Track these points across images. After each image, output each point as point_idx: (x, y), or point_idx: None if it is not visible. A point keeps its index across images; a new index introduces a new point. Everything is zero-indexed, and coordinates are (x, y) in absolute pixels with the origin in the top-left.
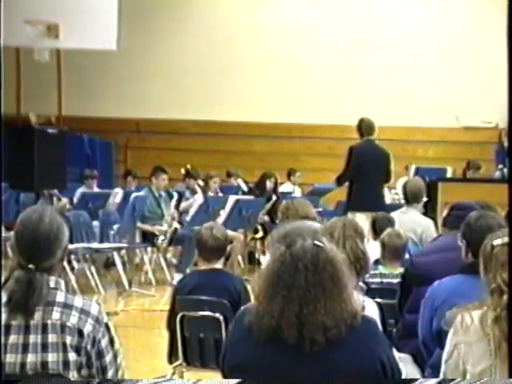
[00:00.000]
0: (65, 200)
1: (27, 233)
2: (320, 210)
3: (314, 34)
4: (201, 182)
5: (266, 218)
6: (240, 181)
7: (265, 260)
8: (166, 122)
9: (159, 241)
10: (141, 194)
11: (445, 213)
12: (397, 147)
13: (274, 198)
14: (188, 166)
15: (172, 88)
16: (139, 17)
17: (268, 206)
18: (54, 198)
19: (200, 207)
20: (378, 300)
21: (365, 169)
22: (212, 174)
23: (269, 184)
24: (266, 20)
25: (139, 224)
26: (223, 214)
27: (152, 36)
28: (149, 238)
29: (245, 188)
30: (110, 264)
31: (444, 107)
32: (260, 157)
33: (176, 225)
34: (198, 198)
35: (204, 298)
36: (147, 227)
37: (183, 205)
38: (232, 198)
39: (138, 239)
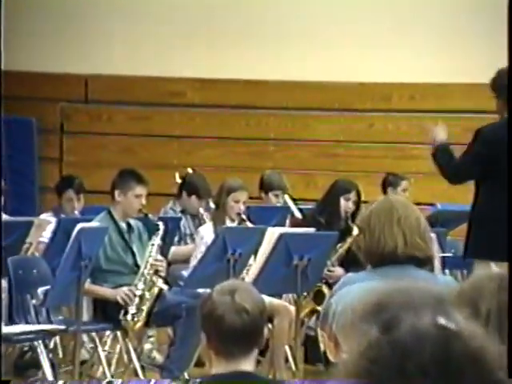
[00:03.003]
0: None
1: None
2: (449, 255)
3: None
4: (211, 203)
5: (340, 269)
6: (287, 198)
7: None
8: (140, 80)
9: (128, 317)
10: (93, 224)
11: None
12: None
13: (356, 230)
14: (189, 170)
15: (151, 19)
16: None
17: (344, 246)
18: None
19: (209, 250)
20: None
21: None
22: (232, 185)
23: (344, 203)
24: None
25: (89, 285)
26: (255, 263)
27: None
28: (108, 313)
29: (296, 212)
30: (27, 364)
31: None
32: (325, 149)
33: (161, 284)
34: (206, 232)
35: None
36: (104, 291)
37: (175, 249)
38: (272, 233)
39: (85, 315)
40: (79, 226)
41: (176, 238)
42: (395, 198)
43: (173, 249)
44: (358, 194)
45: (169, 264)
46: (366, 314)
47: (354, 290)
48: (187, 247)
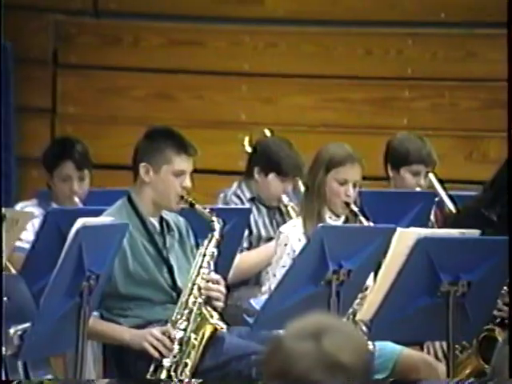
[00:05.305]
0: None
1: None
2: None
3: None
4: (301, 186)
5: None
6: (433, 178)
7: None
8: None
9: (162, 376)
10: (103, 220)
11: None
12: None
13: None
14: (265, 132)
15: None
16: None
17: None
18: None
19: (297, 264)
20: None
21: None
22: (335, 155)
23: None
24: None
25: (97, 321)
26: (375, 287)
27: None
28: (128, 368)
29: (448, 202)
30: None
31: None
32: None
33: (217, 322)
34: (292, 235)
35: None
36: (122, 332)
37: (242, 258)
38: (406, 236)
39: (91, 371)
40: (80, 221)
41: (245, 244)
42: None
43: (238, 260)
44: None
45: (229, 288)
46: None
47: None
48: (262, 252)
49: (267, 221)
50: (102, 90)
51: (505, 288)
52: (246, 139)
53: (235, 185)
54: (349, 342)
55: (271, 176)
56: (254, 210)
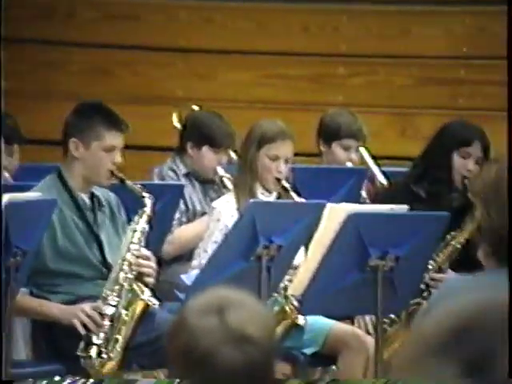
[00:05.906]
0: None
1: None
2: None
3: None
4: (233, 155)
5: (453, 275)
6: (364, 152)
7: None
8: None
9: (92, 353)
10: (31, 195)
11: None
12: None
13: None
14: (193, 107)
15: None
16: None
17: (460, 236)
18: None
19: (228, 240)
20: None
21: None
22: (267, 131)
23: (461, 162)
24: None
25: (25, 298)
26: (306, 262)
27: None
28: (58, 346)
29: (379, 176)
30: None
31: None
32: (438, 68)
33: (148, 298)
34: (225, 210)
35: None
36: (51, 308)
37: (179, 232)
38: (335, 212)
39: (19, 350)
40: (6, 197)
41: (183, 219)
42: None
43: (175, 234)
44: (485, 148)
45: (160, 264)
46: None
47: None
48: (198, 225)
49: (201, 196)
50: (36, 64)
51: (431, 262)
52: (174, 115)
53: (169, 160)
54: (253, 316)
55: (204, 149)
56: (189, 185)
